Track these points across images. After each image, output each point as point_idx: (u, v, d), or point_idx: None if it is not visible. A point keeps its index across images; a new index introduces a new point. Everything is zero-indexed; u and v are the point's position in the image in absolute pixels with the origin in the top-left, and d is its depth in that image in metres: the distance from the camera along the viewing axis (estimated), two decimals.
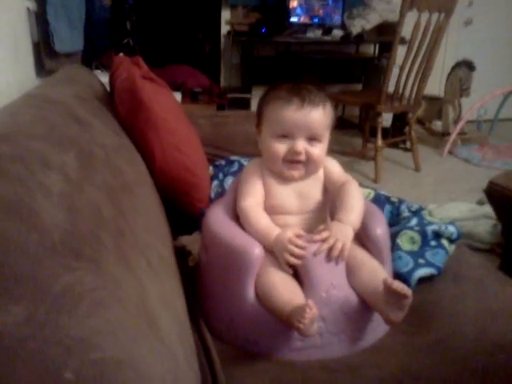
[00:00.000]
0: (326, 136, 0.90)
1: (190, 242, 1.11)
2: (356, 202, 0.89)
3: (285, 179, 0.91)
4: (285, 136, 0.87)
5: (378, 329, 0.85)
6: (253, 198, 0.90)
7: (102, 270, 0.47)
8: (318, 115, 0.86)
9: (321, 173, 0.94)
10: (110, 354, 0.34)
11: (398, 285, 0.73)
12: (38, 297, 0.35)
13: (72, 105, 0.97)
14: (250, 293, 0.81)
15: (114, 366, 0.34)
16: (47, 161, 0.62)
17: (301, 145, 0.87)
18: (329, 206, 0.95)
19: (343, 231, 0.83)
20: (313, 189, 0.93)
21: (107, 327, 0.37)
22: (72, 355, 0.32)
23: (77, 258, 0.44)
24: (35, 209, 0.47)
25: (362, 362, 0.80)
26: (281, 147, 0.87)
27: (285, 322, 0.75)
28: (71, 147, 0.74)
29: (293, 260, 0.80)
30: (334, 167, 0.95)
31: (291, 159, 0.88)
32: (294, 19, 3.57)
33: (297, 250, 0.80)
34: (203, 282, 0.94)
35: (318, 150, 0.88)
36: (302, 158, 0.88)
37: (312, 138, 0.87)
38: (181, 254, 1.06)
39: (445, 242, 1.06)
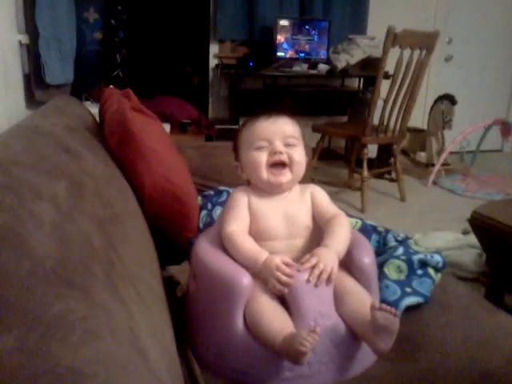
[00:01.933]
0: (301, 145, 0.94)
1: (179, 271, 1.10)
2: (343, 232, 0.90)
3: (274, 201, 0.93)
4: (263, 146, 0.91)
5: (366, 357, 0.85)
6: (237, 224, 0.91)
7: (93, 300, 0.47)
8: (286, 122, 0.93)
9: (307, 198, 0.95)
10: None
11: (385, 306, 0.74)
12: (29, 325, 0.35)
13: (62, 136, 0.98)
14: (239, 323, 0.81)
15: None
16: (38, 191, 0.63)
17: (279, 145, 0.90)
18: (319, 237, 0.94)
19: (330, 256, 0.84)
20: (300, 213, 0.93)
21: (99, 357, 0.37)
22: None
23: (68, 287, 0.45)
24: (27, 238, 0.48)
25: None
26: (261, 154, 0.91)
27: (276, 351, 0.75)
28: (61, 177, 0.75)
29: (279, 287, 0.81)
30: (322, 197, 0.97)
31: (274, 161, 0.90)
32: (280, 54, 3.66)
33: (283, 278, 0.81)
34: (192, 312, 0.93)
35: (297, 152, 0.92)
36: (284, 157, 0.90)
37: (287, 144, 0.91)
38: (169, 284, 1.05)
39: (431, 271, 1.07)
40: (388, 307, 0.74)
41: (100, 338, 0.40)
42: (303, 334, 0.71)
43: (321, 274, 0.81)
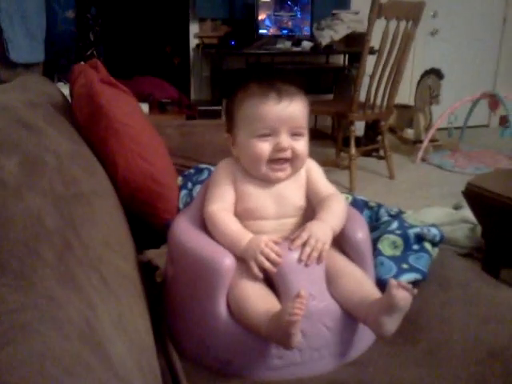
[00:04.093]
0: (307, 133, 0.83)
1: (157, 255, 1.02)
2: (340, 208, 0.82)
3: (264, 181, 0.83)
4: (267, 134, 0.80)
5: (362, 341, 0.78)
6: (221, 203, 0.82)
7: (35, 288, 0.38)
8: (298, 106, 0.81)
9: (302, 176, 0.87)
10: None
11: (405, 284, 0.67)
12: None
13: (22, 110, 0.89)
14: (222, 308, 0.73)
15: None
16: None
17: (286, 140, 0.80)
18: (312, 217, 0.84)
19: (323, 230, 0.76)
20: (292, 192, 0.85)
21: (29, 358, 0.29)
22: None
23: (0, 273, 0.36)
24: None
25: (346, 379, 0.72)
26: (265, 146, 0.80)
27: (263, 335, 0.68)
28: (14, 152, 0.66)
29: (267, 265, 0.72)
30: (319, 174, 0.88)
31: (277, 158, 0.80)
32: (263, 31, 3.54)
33: (272, 255, 0.72)
34: (170, 298, 0.85)
35: (302, 144, 0.82)
36: (288, 154, 0.80)
37: (294, 133, 0.81)
38: (147, 269, 0.97)
39: (428, 246, 1.01)
40: (407, 285, 0.67)
41: (36, 334, 0.32)
42: (290, 303, 0.63)
43: (311, 251, 0.74)
